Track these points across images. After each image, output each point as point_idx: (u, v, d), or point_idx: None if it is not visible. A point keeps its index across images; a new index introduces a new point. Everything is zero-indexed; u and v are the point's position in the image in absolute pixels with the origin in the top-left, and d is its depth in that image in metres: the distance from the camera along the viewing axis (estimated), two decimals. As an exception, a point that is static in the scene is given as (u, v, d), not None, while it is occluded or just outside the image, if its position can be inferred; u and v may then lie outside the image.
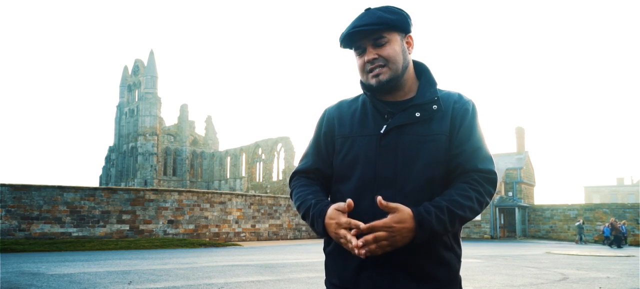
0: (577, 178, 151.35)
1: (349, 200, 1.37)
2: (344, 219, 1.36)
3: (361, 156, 1.49)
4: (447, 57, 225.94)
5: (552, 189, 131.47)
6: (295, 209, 1.54)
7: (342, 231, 1.36)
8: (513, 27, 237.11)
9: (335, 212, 1.38)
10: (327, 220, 1.40)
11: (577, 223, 31.67)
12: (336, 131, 1.58)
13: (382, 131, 1.48)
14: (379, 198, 1.33)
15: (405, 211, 1.32)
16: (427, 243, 1.38)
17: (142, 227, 19.33)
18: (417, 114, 1.48)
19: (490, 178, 1.46)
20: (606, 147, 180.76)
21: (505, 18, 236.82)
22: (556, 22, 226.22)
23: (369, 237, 1.31)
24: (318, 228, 1.44)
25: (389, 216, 1.32)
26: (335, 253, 1.52)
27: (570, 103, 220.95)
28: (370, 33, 1.47)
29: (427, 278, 1.42)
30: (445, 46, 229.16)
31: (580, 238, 30.78)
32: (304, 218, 1.52)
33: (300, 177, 1.63)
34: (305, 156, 1.66)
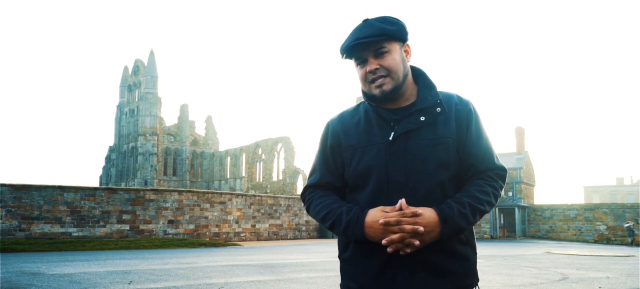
0: (576, 178, 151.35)
1: (402, 201, 1.43)
2: (394, 221, 1.41)
3: (373, 164, 1.52)
4: (447, 58, 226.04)
5: (552, 189, 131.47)
6: (317, 219, 1.58)
7: (395, 229, 1.41)
8: (513, 27, 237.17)
9: (381, 214, 1.44)
10: (369, 223, 1.45)
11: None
12: (343, 142, 1.61)
13: (390, 139, 1.51)
14: (402, 202, 1.42)
15: (428, 213, 1.42)
16: (448, 240, 1.47)
17: (142, 227, 19.34)
18: (422, 119, 1.52)
19: (502, 175, 1.57)
20: (606, 147, 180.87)
21: (504, 18, 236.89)
22: (556, 22, 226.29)
23: (395, 237, 1.40)
24: (356, 232, 1.47)
25: (413, 219, 1.40)
26: (354, 258, 1.55)
27: (570, 103, 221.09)
28: (371, 44, 1.50)
29: (446, 273, 1.48)
30: (445, 46, 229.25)
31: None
32: (332, 226, 1.54)
33: (314, 189, 1.66)
34: (314, 171, 1.69)
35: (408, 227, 1.39)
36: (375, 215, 1.43)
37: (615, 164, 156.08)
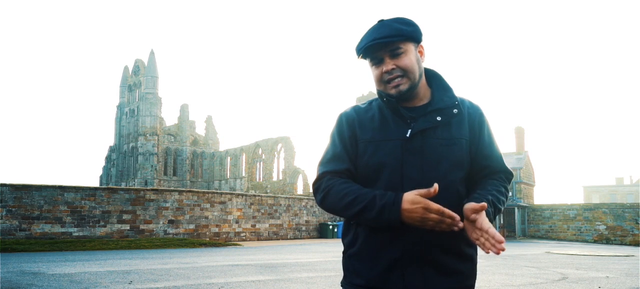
0: (576, 178, 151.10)
1: (436, 185, 1.40)
2: (435, 206, 1.40)
3: (387, 159, 1.54)
4: (447, 57, 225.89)
5: (552, 189, 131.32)
6: (339, 205, 1.53)
7: (434, 216, 1.40)
8: (513, 27, 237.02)
9: (419, 198, 1.41)
10: (407, 206, 1.41)
11: None
12: (358, 135, 1.61)
13: (407, 135, 1.54)
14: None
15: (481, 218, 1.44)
16: (456, 240, 1.52)
17: (142, 227, 19.35)
18: (438, 118, 1.56)
19: (510, 178, 1.68)
20: (605, 147, 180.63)
21: (504, 18, 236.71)
22: (556, 22, 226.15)
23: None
24: (392, 215, 1.42)
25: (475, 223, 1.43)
26: (362, 254, 1.56)
27: (570, 103, 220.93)
28: (388, 44, 1.53)
29: (454, 272, 1.53)
30: (445, 46, 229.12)
31: None
32: (362, 210, 1.47)
33: (333, 176, 1.58)
34: (333, 158, 1.61)
35: (448, 221, 1.41)
36: (413, 199, 1.41)
37: (614, 164, 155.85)
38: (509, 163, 39.09)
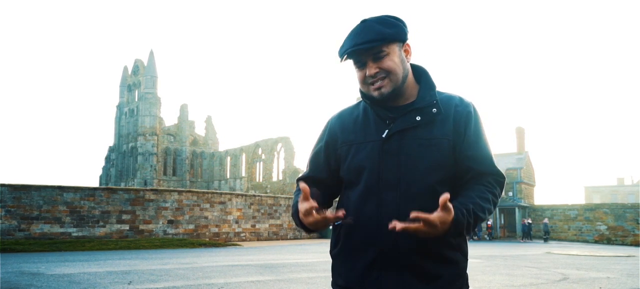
0: (577, 178, 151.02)
1: (302, 185, 1.45)
2: (307, 204, 1.41)
3: (365, 161, 1.52)
4: (447, 58, 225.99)
5: (552, 189, 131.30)
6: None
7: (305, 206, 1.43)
8: (513, 27, 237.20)
9: (304, 205, 1.44)
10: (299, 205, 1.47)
11: None
12: (339, 139, 1.61)
13: (384, 136, 1.50)
14: (444, 197, 1.30)
15: (451, 213, 1.33)
16: (436, 244, 1.44)
17: (142, 227, 19.33)
18: (418, 118, 1.50)
19: (501, 182, 1.53)
20: (606, 147, 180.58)
21: (504, 18, 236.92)
22: (556, 22, 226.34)
23: (412, 226, 1.30)
24: (294, 217, 1.56)
25: (437, 213, 1.30)
26: (342, 255, 1.56)
27: (570, 103, 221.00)
28: (370, 49, 1.48)
29: (433, 277, 1.46)
30: (445, 46, 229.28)
31: None
32: (293, 215, 1.60)
33: (299, 181, 1.72)
34: (307, 165, 1.75)
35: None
36: (302, 205, 1.45)
37: (616, 164, 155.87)
38: (509, 163, 39.09)
